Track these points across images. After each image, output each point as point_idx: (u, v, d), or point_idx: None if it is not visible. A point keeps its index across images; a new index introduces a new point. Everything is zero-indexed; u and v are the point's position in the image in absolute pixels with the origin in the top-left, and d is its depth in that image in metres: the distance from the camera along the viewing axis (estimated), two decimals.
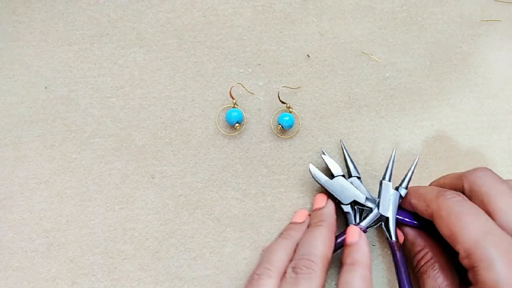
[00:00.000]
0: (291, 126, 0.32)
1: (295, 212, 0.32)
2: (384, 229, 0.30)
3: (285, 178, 0.32)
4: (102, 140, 0.32)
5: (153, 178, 0.32)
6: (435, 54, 0.35)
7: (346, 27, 0.34)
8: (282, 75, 0.33)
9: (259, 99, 0.33)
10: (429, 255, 0.27)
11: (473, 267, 0.22)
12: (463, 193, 0.26)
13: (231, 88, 0.32)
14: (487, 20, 0.35)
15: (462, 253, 0.23)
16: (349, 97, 0.33)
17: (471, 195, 0.26)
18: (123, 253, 0.31)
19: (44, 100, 0.32)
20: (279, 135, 0.33)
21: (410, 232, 0.29)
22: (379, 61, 0.34)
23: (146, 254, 0.31)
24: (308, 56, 0.34)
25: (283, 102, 0.32)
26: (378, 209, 0.29)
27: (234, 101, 0.32)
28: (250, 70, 0.33)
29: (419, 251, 0.28)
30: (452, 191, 0.26)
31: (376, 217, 0.29)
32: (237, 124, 0.31)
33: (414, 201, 0.28)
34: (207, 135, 0.32)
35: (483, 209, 0.24)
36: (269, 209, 0.32)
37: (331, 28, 0.34)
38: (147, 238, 0.31)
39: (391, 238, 0.29)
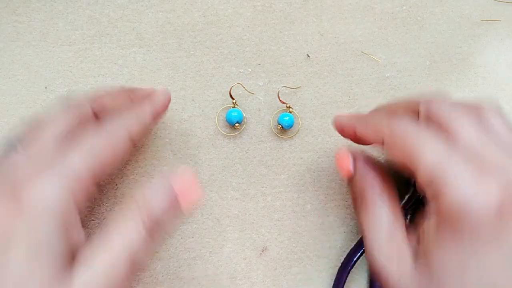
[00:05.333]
0: (291, 126, 0.32)
1: (295, 212, 0.32)
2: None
3: (285, 178, 0.32)
4: None
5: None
6: (435, 54, 0.35)
7: (346, 27, 0.34)
8: (282, 75, 0.33)
9: (259, 99, 0.33)
10: (379, 186, 0.24)
11: (435, 192, 0.20)
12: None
13: (231, 88, 0.32)
14: (487, 20, 0.35)
15: (422, 178, 0.20)
16: (349, 97, 0.33)
17: (428, 121, 0.23)
18: None
19: (44, 100, 0.32)
20: (279, 135, 0.32)
21: (360, 164, 0.26)
22: (379, 61, 0.34)
23: None
24: (308, 56, 0.34)
25: (283, 102, 0.32)
26: (414, 188, 0.30)
27: (234, 101, 0.32)
28: (250, 70, 0.33)
29: (368, 183, 0.25)
30: (406, 115, 0.23)
31: (412, 197, 0.30)
32: (237, 124, 0.31)
33: (360, 129, 0.24)
34: (207, 135, 0.32)
35: (442, 133, 0.22)
36: (269, 209, 0.32)
37: (331, 28, 0.34)
38: None
39: None
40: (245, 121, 0.32)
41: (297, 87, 0.33)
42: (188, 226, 0.31)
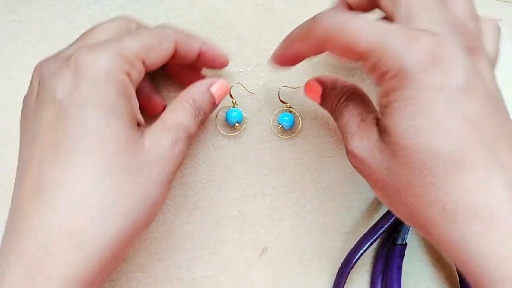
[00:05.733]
0: (291, 126, 0.32)
1: (295, 212, 0.32)
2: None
3: (285, 178, 0.32)
4: None
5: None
6: None
7: None
8: (282, 74, 0.33)
9: (259, 99, 0.33)
10: (347, 93, 0.26)
11: (375, 64, 0.20)
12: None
13: (231, 88, 0.31)
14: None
15: (362, 57, 0.21)
16: None
17: None
18: None
19: None
20: (279, 135, 0.32)
21: (327, 83, 0.27)
22: None
23: (145, 255, 0.30)
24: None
25: (283, 102, 0.32)
26: None
27: (234, 100, 0.32)
28: (250, 70, 0.33)
29: (337, 94, 0.26)
30: (324, 11, 0.23)
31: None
32: (237, 124, 0.31)
33: (296, 41, 0.24)
34: (207, 135, 0.32)
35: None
36: (269, 209, 0.32)
37: None
38: (146, 239, 0.31)
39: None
40: (245, 121, 0.32)
41: (297, 87, 0.33)
42: (188, 226, 0.31)
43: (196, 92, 0.26)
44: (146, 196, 0.22)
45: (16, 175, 0.23)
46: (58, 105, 0.21)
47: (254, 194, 0.32)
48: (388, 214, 0.31)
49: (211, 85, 0.27)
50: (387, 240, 0.32)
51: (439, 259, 0.33)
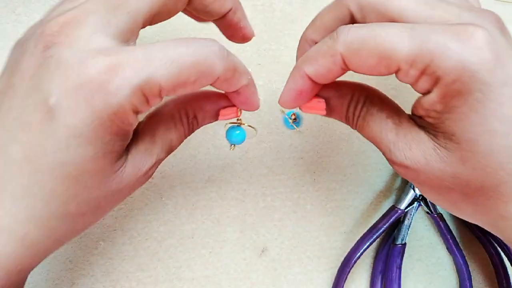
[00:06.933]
0: (241, 142, 0.27)
1: (295, 212, 0.32)
2: (424, 206, 0.32)
3: (285, 178, 0.32)
4: None
5: (152, 178, 0.32)
6: None
7: None
8: (282, 74, 0.33)
9: (259, 98, 0.33)
10: (362, 97, 0.22)
11: (425, 68, 0.18)
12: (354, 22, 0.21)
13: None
14: None
15: (406, 63, 0.18)
16: None
17: (365, 15, 0.20)
18: (122, 254, 0.30)
19: None
20: (279, 135, 0.32)
21: (330, 92, 0.22)
22: None
23: (145, 255, 0.31)
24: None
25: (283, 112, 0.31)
26: (414, 189, 0.31)
27: (240, 118, 0.26)
28: (250, 70, 0.33)
29: (350, 101, 0.22)
30: (344, 25, 0.20)
31: (413, 198, 0.31)
32: (232, 146, 0.27)
33: (311, 69, 0.20)
34: (207, 135, 0.32)
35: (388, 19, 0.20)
36: (269, 209, 0.32)
37: None
38: (146, 239, 0.31)
39: (432, 213, 0.31)
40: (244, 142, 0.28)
41: None
42: (188, 226, 0.31)
43: (201, 109, 0.23)
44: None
45: None
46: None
47: (254, 194, 0.32)
48: (388, 214, 0.31)
49: (219, 109, 0.23)
50: (386, 240, 0.32)
51: (438, 259, 0.33)
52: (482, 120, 0.18)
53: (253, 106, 0.23)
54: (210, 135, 0.32)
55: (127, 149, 0.20)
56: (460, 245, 0.32)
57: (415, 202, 0.31)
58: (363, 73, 0.19)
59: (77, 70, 0.17)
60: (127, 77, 0.17)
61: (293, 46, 0.34)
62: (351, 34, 0.18)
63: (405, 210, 0.31)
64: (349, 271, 0.30)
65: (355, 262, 0.30)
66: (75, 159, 0.17)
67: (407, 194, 0.31)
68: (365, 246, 0.30)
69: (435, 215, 0.31)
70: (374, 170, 0.33)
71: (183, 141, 0.23)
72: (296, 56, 0.25)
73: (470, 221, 0.22)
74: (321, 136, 0.33)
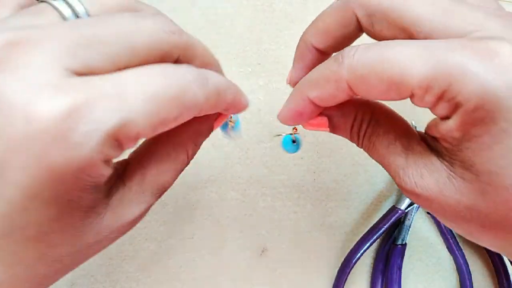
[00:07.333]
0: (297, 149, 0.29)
1: (295, 212, 0.32)
2: None
3: (285, 178, 0.32)
4: None
5: None
6: None
7: None
8: (282, 74, 0.33)
9: (259, 99, 0.33)
10: (367, 115, 0.20)
11: (444, 93, 0.16)
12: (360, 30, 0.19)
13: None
14: None
15: (420, 90, 0.16)
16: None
17: (373, 23, 0.18)
18: (122, 254, 0.30)
19: None
20: (279, 135, 0.32)
21: (331, 111, 0.21)
22: None
23: (145, 255, 0.30)
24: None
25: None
26: None
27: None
28: (250, 70, 0.33)
29: (354, 120, 0.20)
30: (349, 47, 0.17)
31: None
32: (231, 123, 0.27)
33: (313, 94, 0.18)
34: None
35: (403, 31, 0.18)
36: (269, 209, 0.32)
37: None
38: (146, 239, 0.31)
39: None
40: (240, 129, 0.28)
41: None
42: (187, 226, 0.31)
43: (199, 134, 0.21)
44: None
45: None
46: None
47: (254, 194, 0.32)
48: (388, 214, 0.31)
49: (214, 123, 0.21)
50: (387, 240, 0.32)
51: (439, 259, 0.33)
52: (507, 152, 0.16)
53: (241, 108, 0.21)
54: (210, 135, 0.32)
55: (108, 195, 0.17)
56: (460, 245, 0.32)
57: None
58: (372, 99, 0.18)
59: (25, 113, 0.13)
60: (96, 121, 0.13)
61: (293, 46, 0.34)
62: (357, 57, 0.16)
63: (406, 211, 0.31)
64: (349, 272, 0.30)
65: (355, 262, 0.30)
66: (36, 221, 0.14)
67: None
68: (366, 247, 0.30)
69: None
70: (374, 170, 0.33)
71: (178, 176, 0.20)
72: (294, 59, 0.23)
73: (487, 247, 0.21)
74: (321, 136, 0.33)
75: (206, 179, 0.32)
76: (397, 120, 0.20)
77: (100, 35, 0.15)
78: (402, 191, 0.19)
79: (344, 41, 0.20)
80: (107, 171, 0.15)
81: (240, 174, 0.32)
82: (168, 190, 0.31)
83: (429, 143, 0.19)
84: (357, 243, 0.31)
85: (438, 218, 0.20)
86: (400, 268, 0.31)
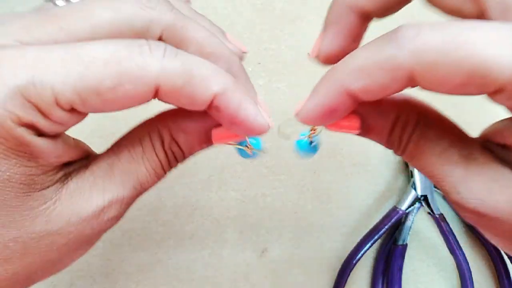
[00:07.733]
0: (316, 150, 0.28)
1: (295, 212, 0.31)
2: (425, 206, 0.32)
3: (285, 178, 0.32)
4: (101, 140, 0.32)
5: None
6: None
7: None
8: (282, 74, 0.33)
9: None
10: (412, 116, 0.16)
11: None
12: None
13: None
14: None
15: (503, 88, 0.12)
16: None
17: None
18: (121, 255, 0.30)
19: None
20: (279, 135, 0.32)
21: (366, 108, 0.16)
22: None
23: (144, 256, 0.30)
24: (309, 54, 0.33)
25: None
26: (415, 190, 0.31)
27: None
28: (250, 69, 0.33)
29: (396, 121, 0.16)
30: (405, 26, 0.13)
31: (414, 198, 0.31)
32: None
33: (357, 85, 0.14)
34: None
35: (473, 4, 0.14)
36: (269, 210, 0.32)
37: None
38: (145, 239, 0.31)
39: (433, 213, 0.31)
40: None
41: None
42: (187, 227, 0.31)
43: (181, 130, 0.17)
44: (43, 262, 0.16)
45: None
46: None
47: (254, 195, 0.32)
48: (389, 214, 0.31)
49: (210, 129, 0.18)
50: (387, 240, 0.32)
51: (440, 259, 0.33)
52: None
53: (253, 127, 0.17)
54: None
55: (64, 180, 0.16)
56: (461, 245, 0.32)
57: (417, 203, 0.31)
58: (439, 93, 0.14)
59: None
60: (1, 75, 0.13)
61: (293, 45, 0.34)
62: (423, 40, 0.12)
63: (407, 211, 0.31)
64: (350, 272, 0.30)
65: (356, 263, 0.30)
66: None
67: (408, 194, 0.31)
68: (366, 247, 0.30)
69: (437, 216, 0.31)
70: (375, 170, 0.33)
71: (162, 176, 0.18)
72: (325, 23, 0.18)
73: None
74: (321, 136, 0.33)
75: (206, 179, 0.32)
76: (449, 123, 0.16)
77: (60, 13, 0.14)
78: (458, 209, 0.16)
79: (394, 3, 0.17)
80: (29, 138, 0.13)
81: (240, 174, 0.32)
82: (168, 190, 0.31)
83: (495, 152, 0.15)
84: (357, 243, 0.31)
85: (499, 242, 0.16)
86: (400, 269, 0.31)
